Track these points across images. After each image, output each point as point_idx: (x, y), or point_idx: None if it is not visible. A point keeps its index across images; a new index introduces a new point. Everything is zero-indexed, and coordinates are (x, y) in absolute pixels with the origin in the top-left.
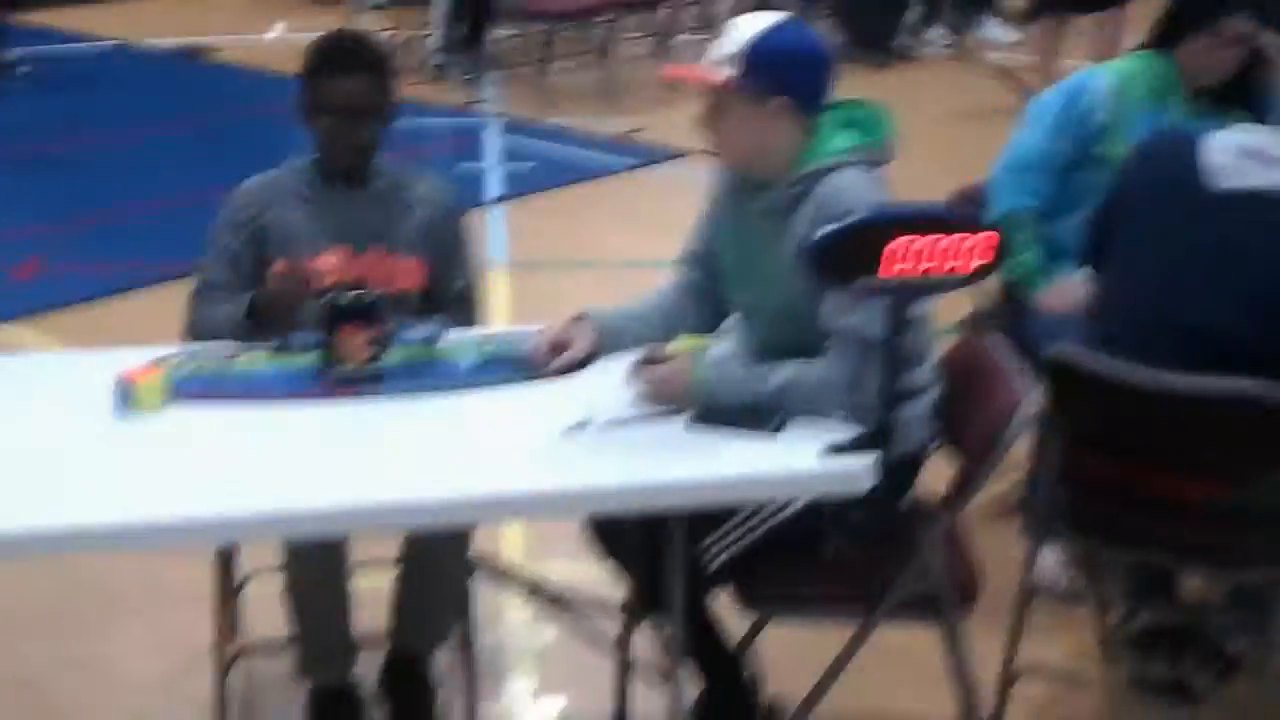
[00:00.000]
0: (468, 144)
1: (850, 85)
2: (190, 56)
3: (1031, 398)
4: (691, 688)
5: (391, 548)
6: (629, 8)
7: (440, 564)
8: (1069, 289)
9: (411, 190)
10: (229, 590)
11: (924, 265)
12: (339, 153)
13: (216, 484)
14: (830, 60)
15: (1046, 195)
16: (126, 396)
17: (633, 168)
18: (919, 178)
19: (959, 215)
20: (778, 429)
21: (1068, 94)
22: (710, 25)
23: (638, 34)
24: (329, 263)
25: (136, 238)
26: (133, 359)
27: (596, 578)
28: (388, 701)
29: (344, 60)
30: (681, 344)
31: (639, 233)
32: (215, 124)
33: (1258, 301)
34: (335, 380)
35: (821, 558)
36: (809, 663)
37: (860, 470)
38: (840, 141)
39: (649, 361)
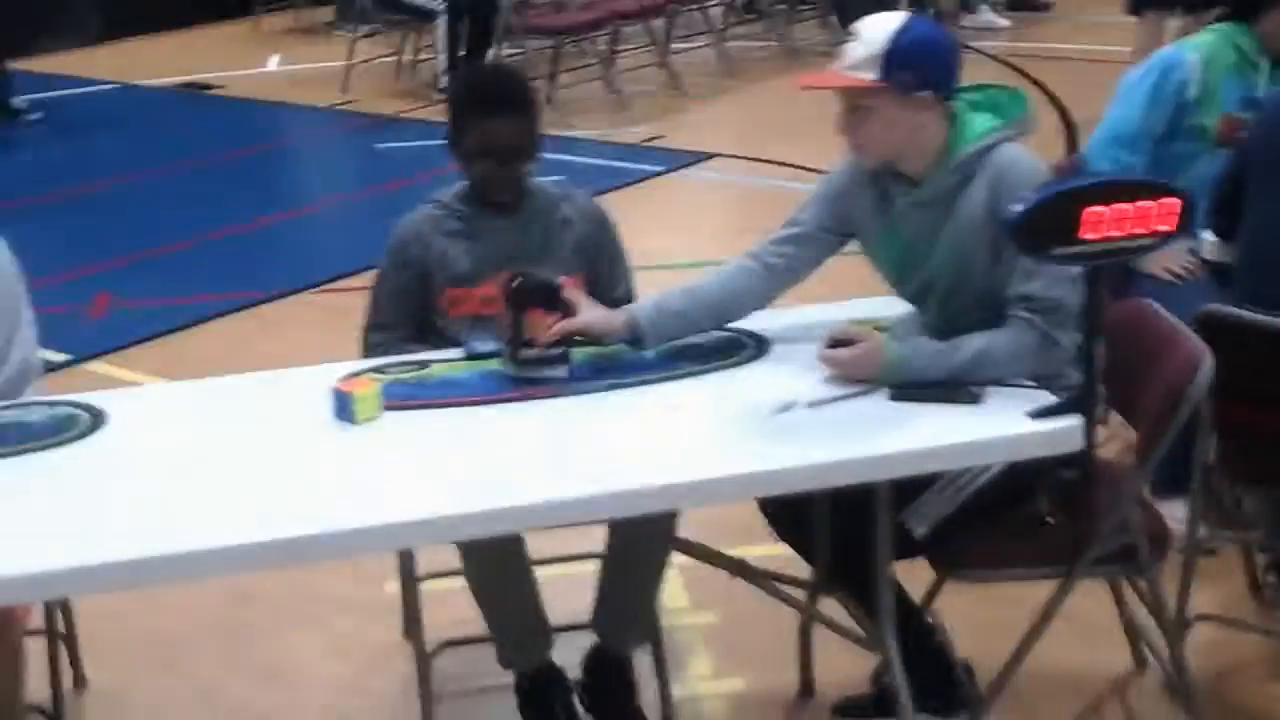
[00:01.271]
0: None
1: None
2: (193, 93)
3: (1209, 360)
4: (872, 657)
5: (582, 539)
6: (627, 19)
7: (650, 556)
8: (1171, 255)
9: (563, 208)
10: (414, 589)
11: (1118, 231)
12: (496, 190)
13: (442, 485)
14: (959, 49)
15: (1142, 167)
16: (346, 407)
17: (661, 173)
18: None
19: (1150, 182)
20: (976, 398)
21: (1159, 70)
22: (707, 32)
23: (637, 46)
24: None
25: (193, 271)
26: (327, 375)
27: (771, 557)
28: (589, 694)
29: (497, 102)
30: (863, 324)
31: (679, 235)
32: (230, 158)
33: None
34: (520, 363)
35: (1023, 519)
36: (976, 625)
37: (1071, 430)
38: (985, 123)
39: (838, 343)
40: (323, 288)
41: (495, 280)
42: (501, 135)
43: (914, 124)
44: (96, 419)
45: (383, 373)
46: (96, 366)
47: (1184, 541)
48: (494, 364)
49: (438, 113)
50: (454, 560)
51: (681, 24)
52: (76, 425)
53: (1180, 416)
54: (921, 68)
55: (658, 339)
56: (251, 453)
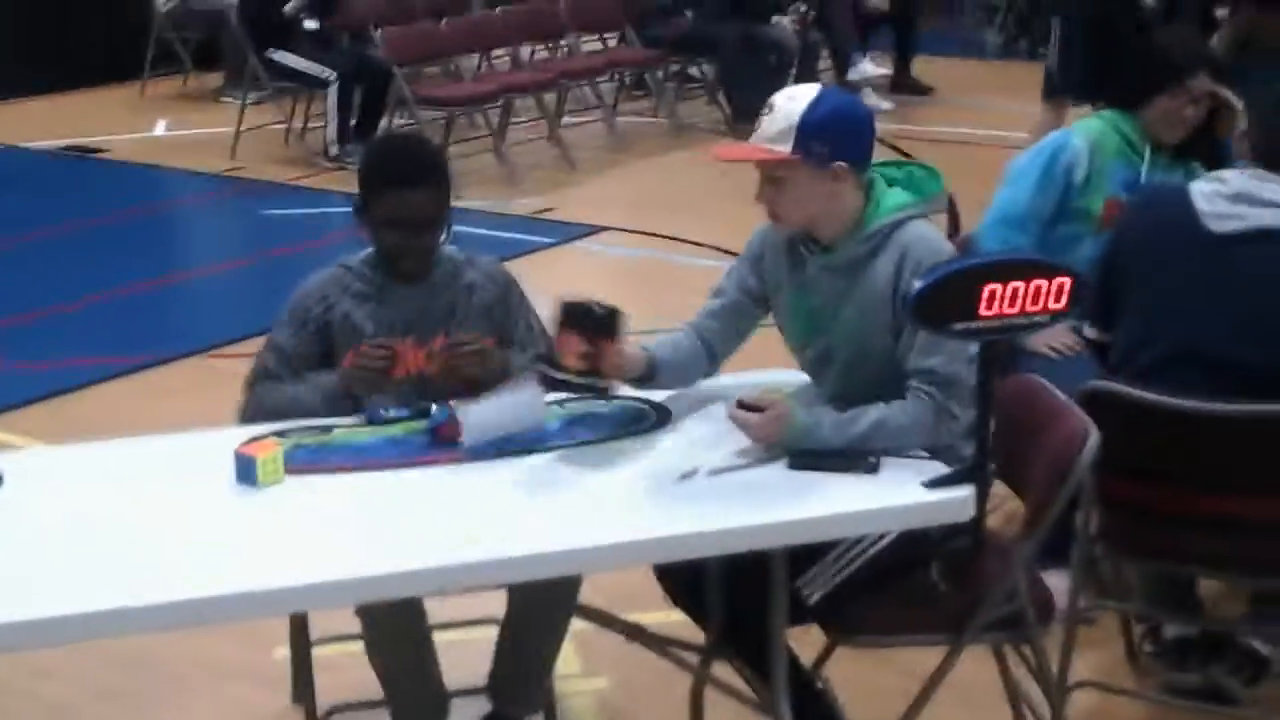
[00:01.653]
0: None
1: None
2: (78, 156)
3: (1094, 435)
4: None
5: (477, 605)
6: (519, 91)
7: (550, 622)
8: (1055, 333)
9: (467, 274)
10: (305, 654)
11: (1016, 307)
12: (406, 260)
13: (345, 548)
14: (873, 120)
15: (1030, 248)
16: (249, 471)
17: (552, 245)
18: None
19: (1044, 261)
20: (874, 468)
21: (1049, 153)
22: (598, 106)
23: (528, 118)
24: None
25: (78, 334)
26: (229, 438)
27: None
28: None
29: (410, 173)
30: (772, 390)
31: None
32: (116, 222)
33: (1266, 329)
34: (550, 382)
35: (915, 586)
36: (864, 691)
37: (963, 500)
38: (899, 198)
39: (745, 407)
40: (210, 353)
41: (401, 346)
42: (413, 206)
43: (828, 194)
44: None
45: (284, 436)
46: None
47: (1066, 610)
48: (396, 429)
49: (327, 181)
50: (345, 626)
51: (572, 98)
52: None
53: (1067, 489)
54: (835, 140)
55: (662, 384)
56: (152, 515)
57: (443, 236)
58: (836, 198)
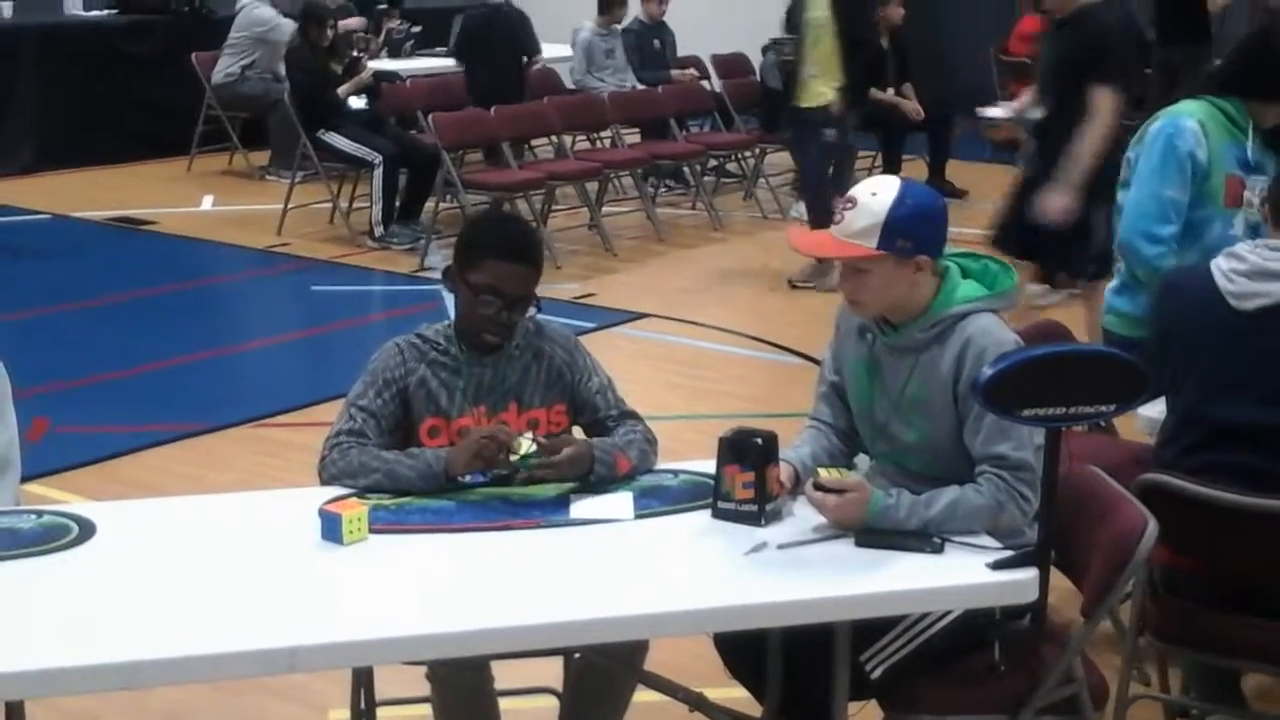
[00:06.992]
0: (432, 309)
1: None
2: (128, 227)
3: (1152, 526)
4: None
5: (533, 673)
6: (562, 180)
7: (614, 694)
8: None
9: (534, 342)
10: (369, 714)
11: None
12: (492, 329)
13: (421, 606)
14: (947, 211)
15: (1177, 236)
16: (334, 528)
17: (593, 329)
18: None
19: (1112, 353)
20: (939, 548)
21: (1164, 140)
22: (634, 196)
23: (567, 205)
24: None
25: (128, 400)
26: (314, 498)
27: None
28: None
29: (518, 248)
30: (835, 471)
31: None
32: (166, 292)
33: None
34: (723, 514)
35: (975, 665)
36: None
37: (1027, 582)
38: (971, 290)
39: (822, 488)
40: (259, 423)
41: (473, 415)
42: (513, 280)
43: (909, 282)
44: (85, 529)
45: (364, 498)
46: (33, 488)
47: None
48: (472, 495)
49: (372, 260)
50: (400, 689)
51: (610, 188)
52: (67, 534)
53: (1125, 578)
54: (918, 234)
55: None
56: (235, 569)
57: (528, 314)
58: (915, 286)
